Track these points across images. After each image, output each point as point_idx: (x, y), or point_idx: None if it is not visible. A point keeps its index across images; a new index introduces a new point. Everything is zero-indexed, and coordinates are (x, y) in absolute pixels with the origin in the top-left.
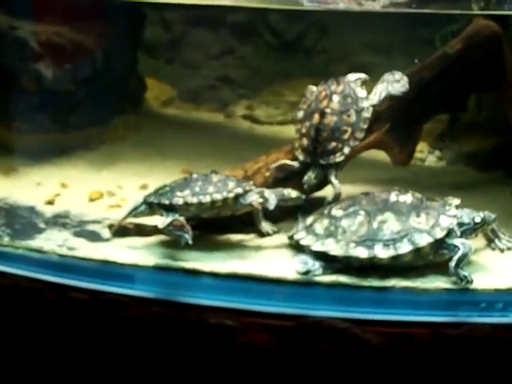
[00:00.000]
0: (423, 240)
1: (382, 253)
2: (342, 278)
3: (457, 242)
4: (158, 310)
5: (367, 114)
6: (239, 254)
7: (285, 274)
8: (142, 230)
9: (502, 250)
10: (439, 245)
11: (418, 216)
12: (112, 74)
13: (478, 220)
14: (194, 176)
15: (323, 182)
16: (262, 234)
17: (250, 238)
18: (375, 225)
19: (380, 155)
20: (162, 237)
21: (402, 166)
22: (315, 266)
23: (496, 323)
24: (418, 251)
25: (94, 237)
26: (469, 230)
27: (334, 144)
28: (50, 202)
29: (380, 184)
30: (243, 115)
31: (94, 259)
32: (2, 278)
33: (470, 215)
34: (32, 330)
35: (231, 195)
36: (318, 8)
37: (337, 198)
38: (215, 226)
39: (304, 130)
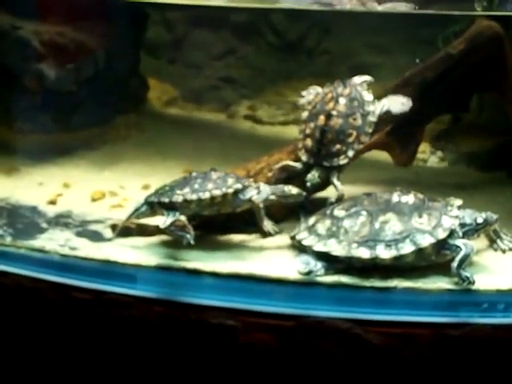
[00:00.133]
0: (425, 240)
1: (384, 253)
2: (344, 279)
3: (459, 242)
4: (159, 309)
5: (373, 118)
6: (241, 254)
7: (287, 274)
8: (144, 230)
9: (504, 251)
10: (441, 245)
11: (420, 216)
12: (114, 74)
13: (480, 221)
14: (194, 174)
15: (325, 183)
16: (263, 234)
17: (251, 239)
18: (377, 225)
19: (382, 156)
20: (163, 237)
21: (404, 167)
22: (317, 266)
23: (498, 324)
24: (420, 252)
25: (96, 237)
26: (471, 231)
27: (338, 146)
28: (52, 202)
29: (382, 184)
30: (245, 115)
31: (95, 259)
32: (4, 277)
33: (472, 216)
34: (34, 330)
35: (230, 191)
36: (323, 8)
37: (340, 200)
38: (217, 226)
39: (308, 131)
